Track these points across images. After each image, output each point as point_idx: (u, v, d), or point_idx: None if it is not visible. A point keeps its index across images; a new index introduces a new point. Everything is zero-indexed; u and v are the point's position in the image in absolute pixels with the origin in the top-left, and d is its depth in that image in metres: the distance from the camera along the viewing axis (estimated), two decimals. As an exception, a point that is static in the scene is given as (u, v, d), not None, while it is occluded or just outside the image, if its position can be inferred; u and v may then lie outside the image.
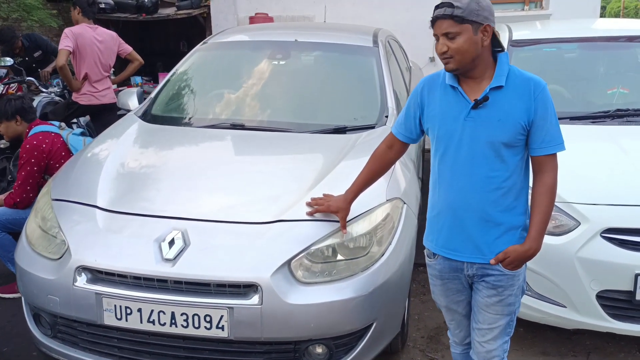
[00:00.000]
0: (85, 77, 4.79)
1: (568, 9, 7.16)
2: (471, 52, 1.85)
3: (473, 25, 1.83)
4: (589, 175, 2.88)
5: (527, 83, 1.89)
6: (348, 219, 2.36)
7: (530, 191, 1.97)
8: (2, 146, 4.65)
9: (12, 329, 3.21)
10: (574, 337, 3.12)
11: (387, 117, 3.25)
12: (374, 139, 2.97)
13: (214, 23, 7.89)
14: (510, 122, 1.87)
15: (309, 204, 2.42)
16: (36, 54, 6.19)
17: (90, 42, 4.80)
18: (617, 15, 20.89)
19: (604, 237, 2.65)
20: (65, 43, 4.64)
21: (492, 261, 1.95)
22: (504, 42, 4.00)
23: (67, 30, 4.73)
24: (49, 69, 6.03)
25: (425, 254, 2.14)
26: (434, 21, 1.87)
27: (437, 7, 1.87)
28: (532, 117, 1.87)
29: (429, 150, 2.10)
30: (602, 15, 14.98)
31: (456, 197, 1.96)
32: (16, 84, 5.80)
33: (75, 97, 4.96)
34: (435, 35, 1.89)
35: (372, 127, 3.17)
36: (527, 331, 3.11)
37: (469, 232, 1.96)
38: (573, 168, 2.68)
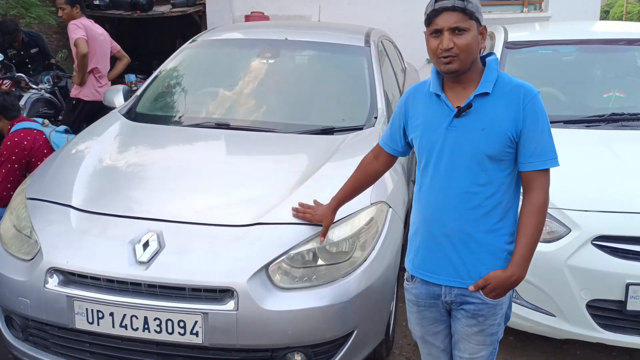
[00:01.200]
0: (90, 71, 4.78)
1: (568, 11, 7.11)
2: (475, 52, 1.71)
3: (477, 24, 1.71)
4: (580, 180, 2.80)
5: (517, 90, 1.73)
6: None
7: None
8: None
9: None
10: (565, 346, 3.04)
11: (376, 118, 3.18)
12: (361, 141, 2.91)
13: (210, 21, 7.83)
14: (495, 132, 1.71)
15: (295, 209, 2.34)
16: (32, 50, 6.15)
17: (97, 35, 4.84)
18: (620, 20, 20.81)
19: (595, 245, 2.57)
20: (80, 33, 4.64)
21: (472, 288, 1.78)
22: (499, 43, 3.93)
23: (76, 22, 4.71)
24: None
25: (405, 277, 1.98)
26: (437, 13, 1.69)
27: None
28: (521, 127, 1.70)
29: None
30: (605, 20, 14.91)
31: (433, 213, 1.81)
32: (9, 80, 5.75)
33: (75, 94, 4.90)
34: (435, 30, 1.70)
35: (361, 129, 3.09)
36: (517, 340, 3.04)
37: (445, 252, 1.80)
38: (564, 173, 2.58)
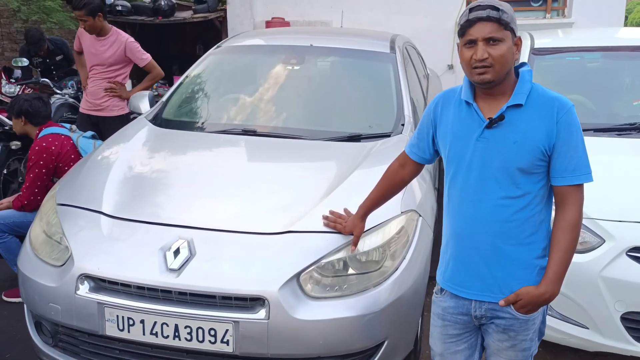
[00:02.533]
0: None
1: (591, 17, 7.04)
2: (510, 62, 1.68)
3: (512, 34, 1.68)
4: (614, 190, 2.74)
5: (551, 103, 1.69)
6: None
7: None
8: (13, 147, 4.62)
9: (17, 334, 3.16)
10: (596, 359, 2.98)
11: (403, 125, 3.15)
12: (389, 148, 2.88)
13: (230, 27, 7.87)
14: (527, 145, 1.67)
15: (326, 218, 2.32)
16: (57, 58, 6.24)
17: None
18: (639, 26, 20.57)
19: (630, 256, 2.53)
20: (146, 55, 4.48)
21: (502, 302, 1.75)
22: (526, 50, 3.88)
23: (131, 42, 4.45)
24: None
25: (434, 290, 1.95)
26: (471, 24, 1.67)
27: (474, 9, 1.68)
28: (554, 141, 1.67)
29: None
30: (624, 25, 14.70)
31: (464, 226, 1.78)
32: (32, 84, 5.82)
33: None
34: (469, 40, 1.68)
35: (388, 136, 3.07)
36: (546, 351, 2.98)
37: (477, 267, 1.77)
38: (597, 182, 2.53)
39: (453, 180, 1.80)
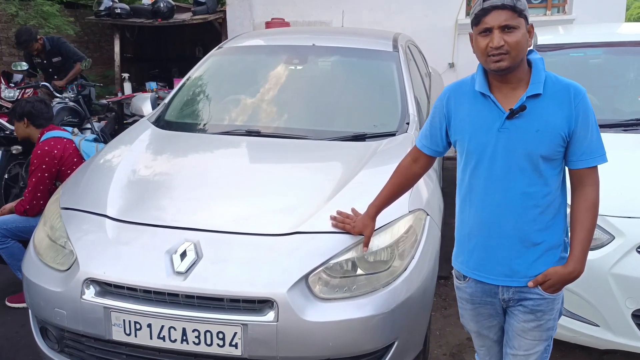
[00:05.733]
0: None
1: (591, 14, 7.01)
2: (525, 49, 1.71)
3: (525, 21, 1.70)
4: (623, 186, 2.72)
5: (567, 90, 1.73)
6: None
7: (568, 208, 1.81)
8: (15, 152, 4.59)
9: (20, 340, 3.13)
10: (605, 357, 2.96)
11: (408, 124, 3.13)
12: (395, 147, 2.86)
13: (230, 28, 7.84)
14: (549, 132, 1.71)
15: (333, 218, 2.30)
16: (55, 60, 6.13)
17: None
18: (637, 21, 20.54)
19: (641, 253, 2.50)
20: None
21: (531, 284, 1.80)
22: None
23: None
24: (63, 83, 5.92)
25: (454, 275, 1.99)
26: (486, 12, 1.68)
27: None
28: (573, 126, 1.71)
29: (447, 159, 1.95)
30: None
31: (490, 215, 1.81)
32: (32, 89, 5.79)
33: None
34: (484, 29, 1.69)
35: (393, 135, 3.04)
36: (556, 350, 2.91)
37: (504, 254, 1.81)
38: (605, 178, 2.50)
39: (475, 170, 1.82)
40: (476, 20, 1.72)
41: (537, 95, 1.72)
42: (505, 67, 1.70)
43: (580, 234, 1.76)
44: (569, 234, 1.82)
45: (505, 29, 1.67)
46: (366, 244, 2.22)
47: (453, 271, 1.99)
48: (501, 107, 1.75)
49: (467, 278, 1.92)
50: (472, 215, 1.86)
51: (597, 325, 2.60)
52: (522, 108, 1.72)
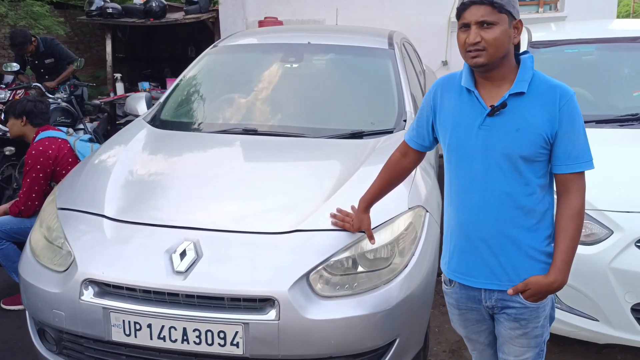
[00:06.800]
0: None
1: (583, 11, 7.04)
2: (505, 46, 1.66)
3: (509, 17, 1.66)
4: (621, 181, 2.73)
5: (553, 91, 1.67)
6: None
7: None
8: (7, 153, 4.55)
9: (17, 342, 3.10)
10: (604, 351, 2.97)
11: (405, 121, 3.12)
12: (393, 144, 2.82)
13: (223, 28, 7.81)
14: (530, 132, 1.66)
15: (333, 216, 2.29)
16: (47, 61, 6.08)
17: None
18: (627, 18, 20.66)
19: (639, 247, 2.50)
20: None
21: (510, 291, 1.74)
22: (523, 43, 3.86)
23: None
24: (54, 84, 5.89)
25: (442, 281, 1.95)
26: (465, 7, 1.65)
27: None
28: (557, 129, 1.65)
29: (442, 156, 1.94)
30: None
31: (469, 215, 1.76)
32: (23, 90, 5.73)
33: None
34: (463, 24, 1.67)
35: (390, 132, 3.03)
36: (554, 345, 2.96)
37: (482, 255, 1.76)
38: (604, 174, 2.52)
39: (455, 169, 1.78)
40: (457, 15, 1.71)
41: (520, 94, 1.68)
42: (482, 64, 1.66)
43: (563, 243, 1.70)
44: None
45: (484, 24, 1.63)
46: (371, 237, 2.20)
47: (442, 275, 1.95)
48: (484, 104, 1.71)
49: (452, 283, 1.88)
50: (452, 215, 1.82)
51: (597, 320, 2.60)
52: (503, 105, 1.67)
